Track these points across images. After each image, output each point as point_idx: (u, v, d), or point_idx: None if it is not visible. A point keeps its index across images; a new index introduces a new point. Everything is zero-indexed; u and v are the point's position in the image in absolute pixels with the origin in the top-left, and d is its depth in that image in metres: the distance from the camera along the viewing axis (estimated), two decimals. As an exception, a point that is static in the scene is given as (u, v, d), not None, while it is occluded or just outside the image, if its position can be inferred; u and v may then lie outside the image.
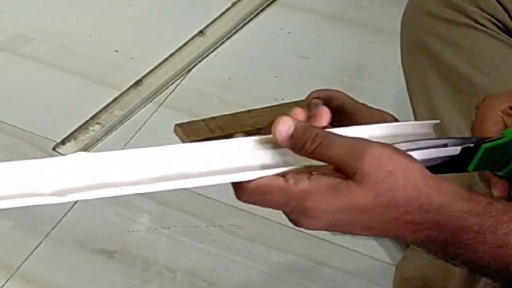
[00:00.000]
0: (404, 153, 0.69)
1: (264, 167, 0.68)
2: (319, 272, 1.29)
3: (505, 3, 1.14)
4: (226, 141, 0.71)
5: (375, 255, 1.31)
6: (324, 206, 0.66)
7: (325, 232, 1.33)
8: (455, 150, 0.74)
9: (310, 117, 0.72)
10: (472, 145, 0.75)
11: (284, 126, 0.69)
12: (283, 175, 0.67)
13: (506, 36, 1.14)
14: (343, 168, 0.67)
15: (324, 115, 0.72)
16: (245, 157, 0.69)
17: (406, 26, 1.25)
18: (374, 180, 0.66)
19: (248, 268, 1.29)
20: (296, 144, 0.68)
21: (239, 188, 0.67)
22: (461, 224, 0.67)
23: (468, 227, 0.67)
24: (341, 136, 0.69)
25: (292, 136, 0.68)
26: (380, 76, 1.65)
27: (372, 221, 0.67)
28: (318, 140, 0.67)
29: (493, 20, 1.15)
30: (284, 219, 1.31)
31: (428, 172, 0.69)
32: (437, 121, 0.82)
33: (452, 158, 0.74)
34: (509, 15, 1.15)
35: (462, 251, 0.68)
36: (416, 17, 1.22)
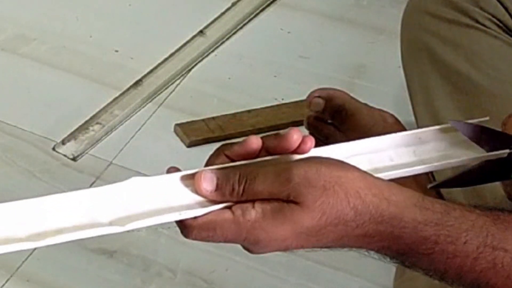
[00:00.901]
0: (333, 162, 0.67)
1: (203, 204, 0.66)
2: (319, 272, 1.29)
3: (505, 2, 1.14)
4: (157, 179, 0.68)
5: (375, 255, 1.31)
6: (273, 233, 0.65)
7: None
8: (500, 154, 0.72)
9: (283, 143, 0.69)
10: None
11: (207, 181, 0.66)
12: (228, 207, 0.66)
13: (507, 35, 1.14)
14: (277, 196, 0.65)
15: (309, 143, 0.69)
16: (183, 195, 0.67)
17: (406, 26, 1.25)
18: (312, 199, 0.64)
19: (248, 268, 1.29)
20: (225, 192, 0.66)
21: (185, 227, 0.65)
22: (417, 235, 0.65)
23: (425, 238, 0.65)
24: (263, 167, 0.66)
25: (218, 187, 0.66)
26: (380, 76, 1.65)
27: (324, 241, 0.66)
28: (243, 180, 0.65)
29: (494, 19, 1.15)
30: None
31: (369, 177, 0.67)
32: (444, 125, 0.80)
33: (494, 163, 0.73)
34: (509, 15, 1.14)
35: (418, 260, 0.67)
36: (416, 16, 1.22)
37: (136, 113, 1.55)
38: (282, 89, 1.60)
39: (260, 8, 1.79)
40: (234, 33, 1.74)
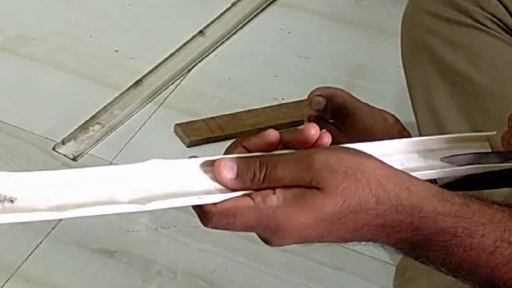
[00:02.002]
0: (353, 150, 0.67)
1: (223, 191, 0.65)
2: (319, 272, 1.29)
3: (506, 2, 1.14)
4: (177, 163, 0.67)
5: (375, 255, 1.31)
6: (294, 220, 0.64)
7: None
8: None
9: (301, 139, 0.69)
10: None
11: (227, 168, 0.66)
12: (248, 194, 0.65)
13: (507, 35, 1.14)
14: (298, 183, 0.64)
15: (326, 139, 0.69)
16: (202, 181, 0.66)
17: (407, 26, 1.25)
18: (335, 185, 0.63)
19: (248, 268, 1.29)
20: (246, 180, 0.65)
21: (205, 213, 0.65)
22: (436, 226, 0.65)
23: (443, 229, 0.65)
24: (283, 154, 0.66)
25: (238, 174, 0.65)
26: (380, 76, 1.65)
27: (343, 230, 0.65)
28: (264, 167, 0.65)
29: (494, 19, 1.15)
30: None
31: (389, 167, 0.66)
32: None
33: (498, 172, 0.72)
34: (510, 14, 1.14)
35: (434, 253, 0.66)
36: (416, 16, 1.22)
37: (136, 113, 1.55)
38: (282, 89, 1.60)
39: (260, 8, 1.79)
40: (234, 33, 1.74)
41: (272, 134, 0.69)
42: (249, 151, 0.68)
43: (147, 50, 1.68)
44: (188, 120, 1.51)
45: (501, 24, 1.15)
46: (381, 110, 0.91)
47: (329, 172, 0.63)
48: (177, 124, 1.50)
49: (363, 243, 0.68)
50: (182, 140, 1.48)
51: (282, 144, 0.69)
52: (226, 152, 0.69)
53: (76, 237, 1.31)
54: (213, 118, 1.52)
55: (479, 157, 0.74)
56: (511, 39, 1.14)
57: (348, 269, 1.29)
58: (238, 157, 0.67)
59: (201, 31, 1.72)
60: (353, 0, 1.84)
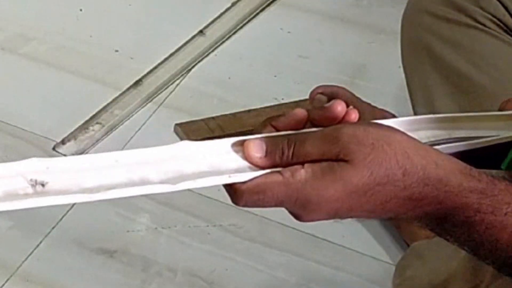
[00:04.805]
0: (380, 124, 0.68)
1: (253, 169, 0.67)
2: (319, 272, 1.29)
3: (505, 2, 1.14)
4: (207, 144, 0.68)
5: (375, 255, 1.31)
6: (323, 193, 0.64)
7: (325, 232, 1.34)
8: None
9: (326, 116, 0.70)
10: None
11: (256, 146, 0.67)
12: (277, 171, 0.66)
13: (507, 35, 1.14)
14: (326, 156, 0.65)
15: (353, 115, 0.70)
16: (231, 161, 0.67)
17: (407, 26, 1.25)
18: (362, 156, 0.64)
19: (248, 268, 1.29)
20: (276, 157, 0.66)
21: (235, 191, 0.65)
22: (460, 201, 0.66)
23: (467, 204, 0.66)
24: (311, 131, 0.68)
25: (267, 152, 0.67)
26: (380, 76, 1.65)
27: (372, 203, 0.65)
28: (292, 144, 0.66)
29: (494, 19, 1.15)
30: (284, 219, 1.31)
31: (417, 141, 0.67)
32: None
33: (486, 151, 0.73)
34: (510, 14, 1.14)
35: (458, 229, 0.67)
36: (416, 16, 1.22)
37: (136, 113, 1.55)
38: (282, 89, 1.60)
39: (260, 8, 1.79)
40: (234, 33, 1.74)
41: (300, 112, 0.71)
42: (278, 130, 0.69)
43: (147, 50, 1.68)
44: (188, 120, 1.51)
45: (501, 24, 1.15)
46: (382, 109, 0.91)
47: (356, 145, 0.64)
48: (177, 124, 1.50)
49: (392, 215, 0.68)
50: (182, 140, 1.48)
51: (310, 122, 0.70)
52: (255, 132, 0.69)
53: (76, 237, 1.31)
54: (213, 118, 1.52)
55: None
56: (511, 39, 1.14)
57: (348, 269, 1.29)
58: (266, 136, 0.68)
59: (201, 31, 1.72)
60: (353, 0, 1.84)
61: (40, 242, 1.30)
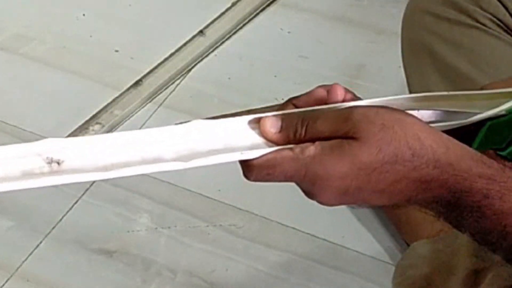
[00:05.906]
0: (392, 108, 0.68)
1: (266, 145, 0.69)
2: (319, 272, 1.29)
3: (506, 2, 1.14)
4: (220, 122, 0.72)
5: (375, 255, 1.31)
6: (331, 168, 0.65)
7: (325, 232, 1.34)
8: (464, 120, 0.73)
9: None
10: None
11: (272, 122, 0.70)
12: (289, 147, 0.67)
13: (507, 35, 1.14)
14: (337, 134, 0.66)
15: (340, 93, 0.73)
16: (245, 138, 0.70)
17: (407, 26, 1.25)
18: (371, 134, 0.65)
19: (248, 268, 1.29)
20: (290, 133, 0.68)
21: (247, 166, 0.67)
22: (469, 186, 0.66)
23: (476, 189, 0.66)
24: (325, 109, 0.69)
25: (282, 128, 0.69)
26: (380, 76, 1.65)
27: (382, 182, 0.66)
28: (305, 122, 0.68)
29: (494, 19, 1.15)
30: (284, 219, 1.31)
31: (430, 127, 0.68)
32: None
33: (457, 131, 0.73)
34: (510, 14, 1.14)
35: (466, 214, 0.67)
36: (417, 16, 1.22)
37: (136, 113, 1.55)
38: (282, 89, 1.60)
39: (260, 8, 1.79)
40: (234, 33, 1.74)
41: (320, 90, 0.73)
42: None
43: (147, 50, 1.68)
44: (188, 120, 1.51)
45: (501, 24, 1.15)
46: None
47: (366, 124, 0.65)
48: (177, 124, 1.50)
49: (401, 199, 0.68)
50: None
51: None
52: (277, 110, 0.72)
53: (76, 237, 1.31)
54: (213, 118, 1.52)
55: (444, 115, 0.75)
56: (511, 39, 1.14)
57: (348, 269, 1.29)
58: (283, 113, 0.70)
59: (201, 31, 1.72)
60: (353, 0, 1.84)
61: (40, 242, 1.30)
